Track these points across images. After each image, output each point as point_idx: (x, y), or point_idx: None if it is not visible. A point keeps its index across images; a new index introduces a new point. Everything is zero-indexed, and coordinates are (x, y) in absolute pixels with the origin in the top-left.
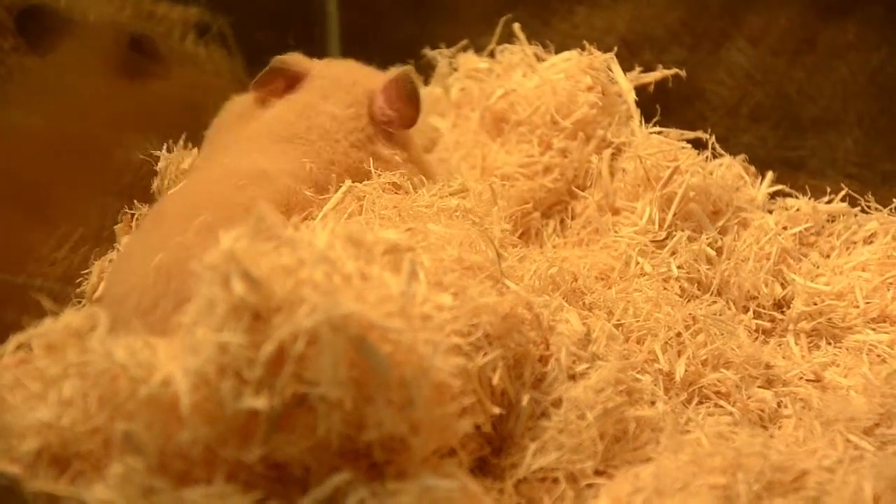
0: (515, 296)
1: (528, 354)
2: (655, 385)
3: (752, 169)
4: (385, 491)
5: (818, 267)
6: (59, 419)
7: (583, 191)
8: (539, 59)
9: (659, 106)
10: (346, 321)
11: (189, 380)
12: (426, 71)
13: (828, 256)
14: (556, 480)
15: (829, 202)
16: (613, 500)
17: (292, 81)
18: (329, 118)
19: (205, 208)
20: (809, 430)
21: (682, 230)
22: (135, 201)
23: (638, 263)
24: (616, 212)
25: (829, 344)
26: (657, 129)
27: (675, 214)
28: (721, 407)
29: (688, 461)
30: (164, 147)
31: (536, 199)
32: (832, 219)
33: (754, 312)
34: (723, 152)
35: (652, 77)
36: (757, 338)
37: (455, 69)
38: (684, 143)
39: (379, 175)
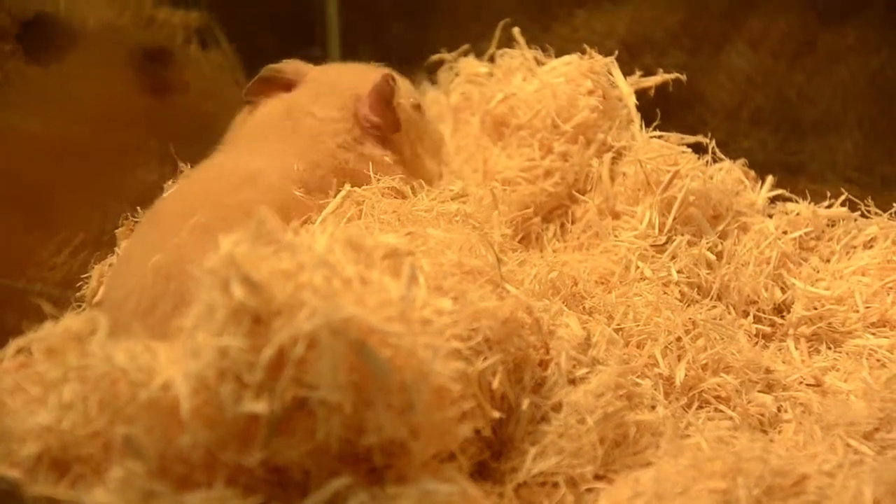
0: (515, 300)
1: (528, 359)
2: (655, 389)
3: (752, 173)
4: (385, 495)
5: (818, 271)
6: (60, 423)
7: (583, 195)
8: (539, 63)
9: (659, 110)
10: (345, 325)
11: (189, 384)
12: (429, 75)
13: (828, 261)
14: (556, 485)
15: (829, 206)
16: None
17: (286, 88)
18: (314, 119)
19: (200, 208)
20: (809, 434)
21: (682, 234)
22: (136, 207)
23: (638, 268)
24: (616, 216)
25: (829, 348)
26: (657, 133)
27: (675, 219)
28: (721, 411)
29: (688, 466)
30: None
31: (537, 204)
32: (832, 223)
33: (754, 317)
34: (723, 156)
35: (652, 81)
36: (757, 342)
37: (456, 74)
38: (684, 148)
39: (378, 179)
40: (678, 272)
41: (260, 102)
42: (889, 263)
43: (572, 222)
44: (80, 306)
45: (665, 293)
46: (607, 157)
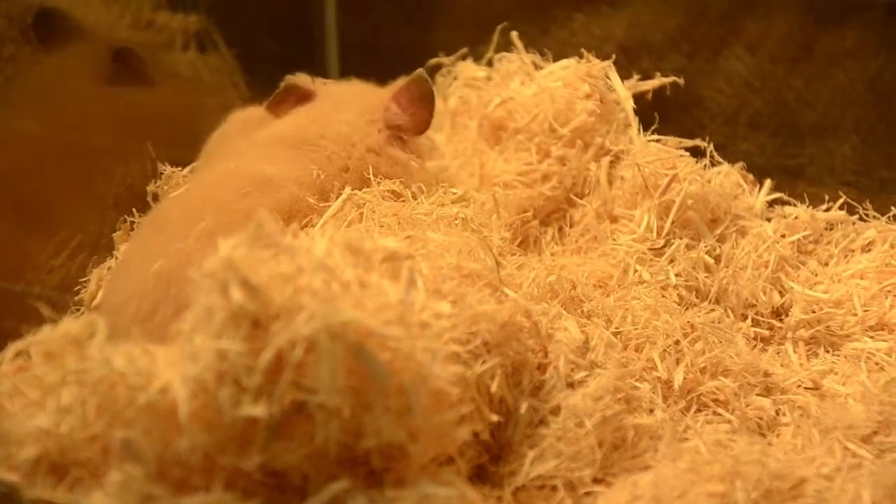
0: (514, 304)
1: (527, 362)
2: (654, 393)
3: (751, 177)
4: (383, 498)
5: (816, 275)
6: (58, 426)
7: (581, 199)
8: (537, 67)
9: (657, 114)
10: (344, 329)
11: (188, 387)
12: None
13: (826, 264)
14: (554, 488)
15: (828, 210)
16: None
17: (302, 100)
18: (344, 123)
19: (206, 214)
20: (808, 437)
21: (681, 238)
22: (133, 209)
23: (636, 271)
24: (614, 220)
25: (828, 352)
26: (655, 136)
27: (673, 222)
28: (719, 415)
29: (686, 469)
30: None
31: (535, 207)
32: (830, 227)
33: (752, 320)
34: (721, 160)
35: (650, 85)
36: (755, 346)
37: (454, 78)
38: (682, 151)
39: (378, 182)
40: (676, 276)
41: (276, 114)
42: (887, 267)
43: (570, 226)
44: (78, 310)
45: (663, 297)
46: (605, 160)
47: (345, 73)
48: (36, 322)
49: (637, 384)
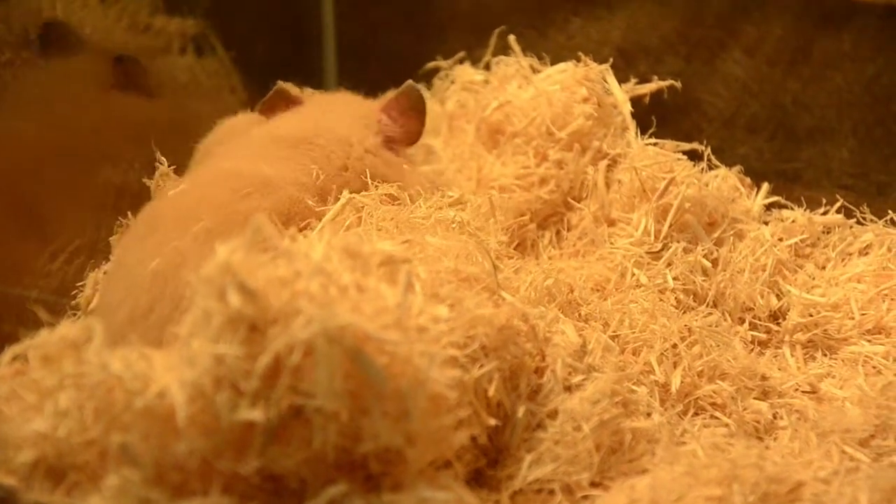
0: (511, 307)
1: (524, 366)
2: (651, 396)
3: (748, 180)
4: (381, 502)
5: (814, 278)
6: (55, 430)
7: (578, 202)
8: (535, 70)
9: (654, 117)
10: (342, 333)
11: (185, 391)
12: (425, 83)
13: (823, 268)
14: (551, 492)
15: (825, 213)
16: None
17: (292, 106)
18: (342, 123)
19: (203, 213)
20: (805, 441)
21: (678, 242)
22: (130, 214)
23: (634, 275)
24: (612, 223)
25: (825, 355)
26: (653, 140)
27: (670, 226)
28: (717, 418)
29: (683, 473)
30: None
31: (532, 211)
32: (827, 230)
33: (750, 324)
34: (718, 164)
35: (647, 88)
36: (753, 349)
37: (452, 81)
38: (680, 155)
39: (376, 186)
40: (674, 279)
41: (270, 115)
42: (884, 270)
43: (568, 230)
44: (75, 314)
45: (661, 300)
46: (603, 164)
47: (342, 76)
48: (33, 326)
49: (634, 388)
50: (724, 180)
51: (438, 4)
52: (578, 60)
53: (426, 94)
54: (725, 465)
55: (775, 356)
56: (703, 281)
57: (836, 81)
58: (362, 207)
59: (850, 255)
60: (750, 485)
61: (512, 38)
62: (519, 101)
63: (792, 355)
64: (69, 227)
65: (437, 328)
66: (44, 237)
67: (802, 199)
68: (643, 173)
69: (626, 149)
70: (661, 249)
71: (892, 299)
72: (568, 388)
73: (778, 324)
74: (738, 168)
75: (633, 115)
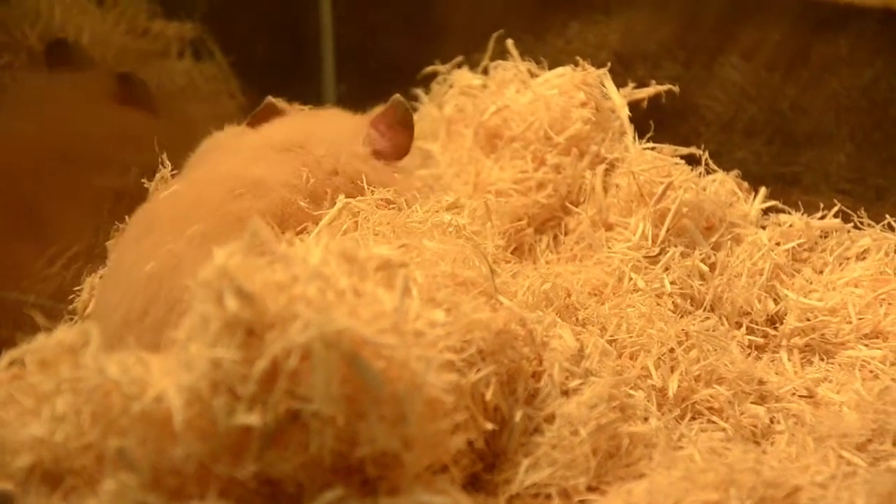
0: (509, 312)
1: (522, 370)
2: (648, 401)
3: (746, 185)
4: None
5: (811, 283)
6: (52, 435)
7: (576, 206)
8: (532, 74)
9: (652, 122)
10: (339, 337)
11: (182, 396)
12: (422, 87)
13: (821, 272)
14: (548, 496)
15: (823, 218)
16: None
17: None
18: (332, 128)
19: (198, 216)
20: (802, 446)
21: (676, 246)
22: (127, 218)
23: (631, 279)
24: (609, 227)
25: (822, 360)
26: (650, 144)
27: (668, 230)
28: (714, 423)
29: (681, 477)
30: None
31: (530, 215)
32: (825, 235)
33: (747, 328)
34: (716, 168)
35: (645, 93)
36: (750, 354)
37: (450, 86)
38: (678, 159)
39: (373, 191)
40: (671, 283)
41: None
42: (882, 275)
43: (565, 234)
44: (72, 318)
45: (658, 304)
46: (600, 168)
47: (341, 80)
48: (30, 330)
49: (632, 392)
50: (722, 185)
51: (436, 8)
52: (576, 65)
53: (424, 98)
54: (722, 470)
55: (772, 360)
56: (701, 285)
57: (834, 86)
58: (358, 212)
59: (848, 259)
60: (747, 489)
61: (510, 42)
62: (517, 106)
63: (789, 360)
64: (67, 232)
65: (434, 332)
66: (41, 241)
67: (800, 203)
68: (641, 178)
69: (623, 153)
70: (659, 254)
71: (889, 304)
72: (565, 393)
73: (775, 328)
74: (735, 172)
75: (631, 120)
